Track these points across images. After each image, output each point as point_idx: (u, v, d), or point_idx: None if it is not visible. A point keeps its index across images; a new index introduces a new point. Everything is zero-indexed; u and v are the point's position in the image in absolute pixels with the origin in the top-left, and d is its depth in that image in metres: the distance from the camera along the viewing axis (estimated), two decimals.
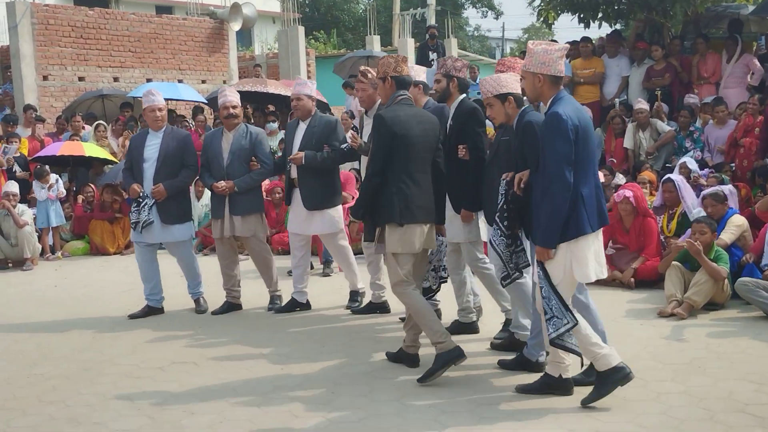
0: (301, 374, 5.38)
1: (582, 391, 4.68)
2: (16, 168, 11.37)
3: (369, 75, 6.53)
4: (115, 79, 16.82)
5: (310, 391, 5.03)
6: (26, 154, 11.90)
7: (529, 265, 5.20)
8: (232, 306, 7.27)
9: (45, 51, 15.73)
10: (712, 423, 4.35)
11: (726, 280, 6.74)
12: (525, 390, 4.86)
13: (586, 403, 4.60)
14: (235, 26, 19.12)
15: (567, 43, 12.63)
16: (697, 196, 8.21)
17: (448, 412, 4.58)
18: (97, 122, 13.02)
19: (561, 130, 4.43)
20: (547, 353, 4.96)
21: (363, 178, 5.84)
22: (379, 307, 6.99)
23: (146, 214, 6.95)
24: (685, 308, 6.53)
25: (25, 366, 5.84)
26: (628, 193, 7.81)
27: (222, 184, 6.95)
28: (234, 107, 7.09)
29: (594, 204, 4.55)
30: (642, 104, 10.69)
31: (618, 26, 14.07)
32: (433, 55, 16.70)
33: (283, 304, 7.21)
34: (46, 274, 9.58)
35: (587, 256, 4.54)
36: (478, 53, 39.88)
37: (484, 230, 5.85)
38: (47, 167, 10.95)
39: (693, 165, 9.21)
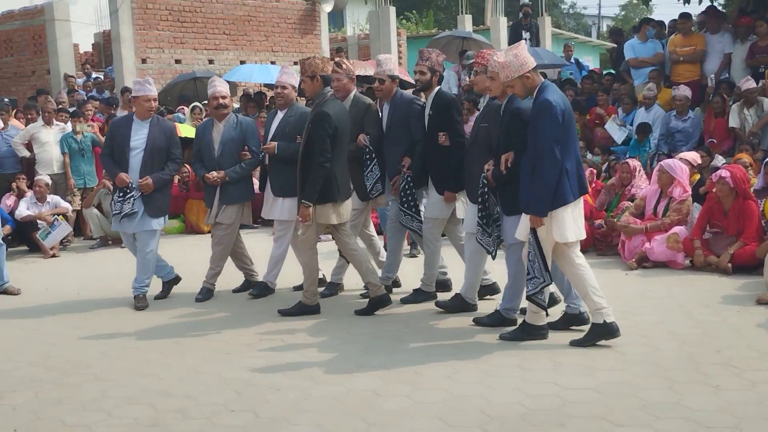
0: (385, 355, 5.40)
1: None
2: None
3: (344, 66, 6.90)
4: (210, 62, 17.19)
5: (393, 371, 5.05)
6: None
7: (500, 237, 5.87)
8: (250, 284, 7.46)
9: (144, 35, 16.18)
10: None
11: None
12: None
13: (574, 344, 5.33)
14: (327, 7, 19.25)
15: (672, 20, 12.26)
16: None
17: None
18: (193, 104, 13.32)
19: (553, 115, 5.15)
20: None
21: (305, 166, 6.26)
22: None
23: (130, 206, 6.88)
24: None
25: (121, 339, 6.07)
26: (725, 174, 7.51)
27: (214, 174, 7.08)
28: (224, 97, 7.18)
29: (575, 176, 5.26)
30: (750, 83, 10.19)
31: (720, 0, 13.49)
32: (526, 35, 16.36)
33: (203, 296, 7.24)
34: None
35: (565, 219, 5.23)
36: (573, 31, 39.01)
37: (461, 209, 6.52)
38: None
39: None
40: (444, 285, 7.02)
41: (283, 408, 4.53)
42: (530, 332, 5.52)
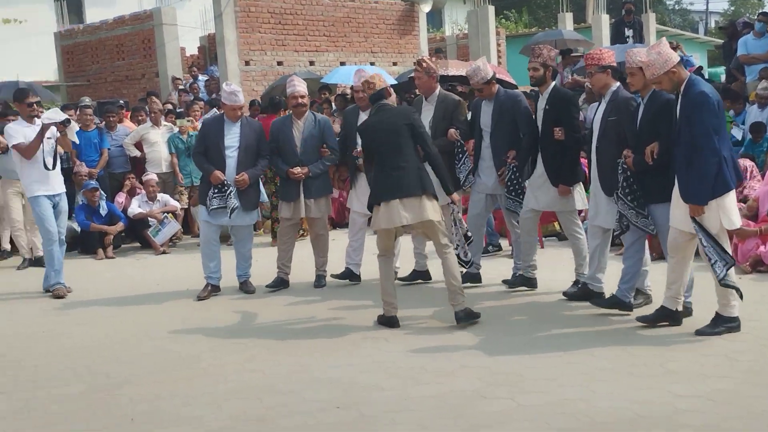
0: (487, 355, 5.36)
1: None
2: None
3: (424, 64, 7.17)
4: (311, 63, 17.44)
5: (496, 372, 5.01)
6: None
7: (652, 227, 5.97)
8: (283, 281, 7.73)
9: (247, 37, 16.56)
10: None
11: None
12: (644, 320, 5.79)
13: (700, 334, 5.49)
14: (426, 8, 19.27)
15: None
16: None
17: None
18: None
19: (711, 106, 5.29)
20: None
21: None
22: (421, 276, 7.67)
23: (234, 201, 7.30)
24: None
25: (229, 334, 6.24)
26: None
27: (298, 169, 7.40)
28: (302, 97, 7.51)
29: (731, 163, 5.38)
30: None
31: None
32: (629, 32, 15.97)
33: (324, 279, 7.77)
34: None
35: (732, 207, 5.39)
36: (679, 28, 37.89)
37: (579, 201, 6.80)
38: None
39: None
40: (529, 282, 7.13)
41: (386, 407, 4.56)
42: (668, 316, 5.73)
